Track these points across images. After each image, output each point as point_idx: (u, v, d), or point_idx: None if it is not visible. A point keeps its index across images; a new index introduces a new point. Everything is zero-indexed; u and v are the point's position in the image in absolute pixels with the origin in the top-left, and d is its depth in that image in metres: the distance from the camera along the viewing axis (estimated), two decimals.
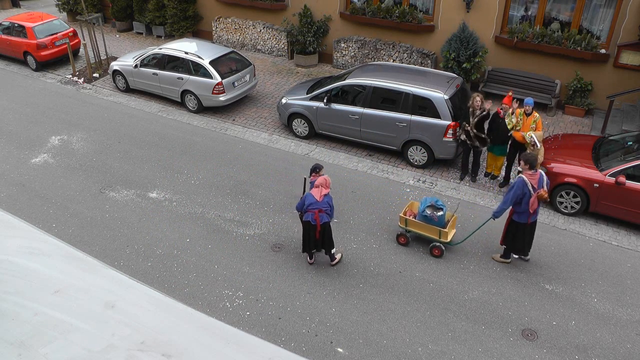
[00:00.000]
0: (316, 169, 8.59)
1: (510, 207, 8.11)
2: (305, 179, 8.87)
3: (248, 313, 7.79)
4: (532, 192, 7.81)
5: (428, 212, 8.49)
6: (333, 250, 8.52)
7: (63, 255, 3.12)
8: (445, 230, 8.47)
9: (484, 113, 10.01)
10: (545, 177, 8.01)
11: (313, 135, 12.42)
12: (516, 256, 8.67)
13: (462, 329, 7.49)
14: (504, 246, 8.52)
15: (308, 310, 7.81)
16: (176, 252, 9.01)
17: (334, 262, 8.62)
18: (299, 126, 12.42)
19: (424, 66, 13.89)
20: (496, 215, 8.20)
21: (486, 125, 10.21)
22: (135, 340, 2.51)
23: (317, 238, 8.18)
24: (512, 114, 9.89)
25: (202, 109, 13.78)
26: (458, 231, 9.10)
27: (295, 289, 8.20)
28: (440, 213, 8.45)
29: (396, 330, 7.48)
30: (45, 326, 2.57)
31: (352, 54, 15.60)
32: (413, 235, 8.97)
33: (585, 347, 7.22)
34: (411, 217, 8.83)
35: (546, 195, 7.93)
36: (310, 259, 8.68)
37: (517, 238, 8.24)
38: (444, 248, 8.69)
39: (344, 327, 7.54)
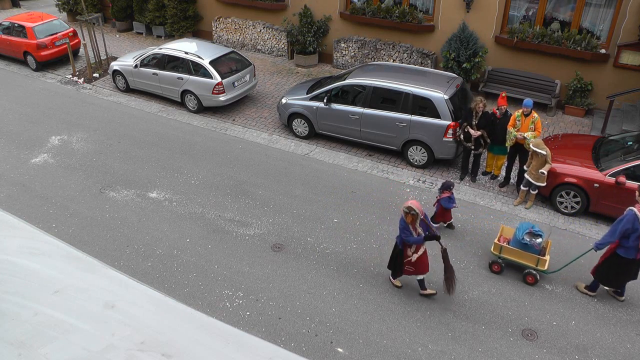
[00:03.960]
0: (449, 187, 8.83)
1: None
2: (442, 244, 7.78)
3: (248, 313, 7.79)
4: None
5: (527, 239, 7.99)
6: (394, 278, 8.22)
7: (63, 255, 3.12)
8: (544, 258, 8.02)
9: (480, 114, 10.05)
10: None
11: (313, 135, 12.42)
12: (607, 288, 7.98)
13: (462, 329, 7.49)
14: (594, 277, 7.90)
15: (308, 310, 7.81)
16: (176, 252, 9.01)
17: (391, 280, 8.26)
18: (299, 126, 12.42)
19: (424, 66, 13.88)
20: (599, 247, 7.55)
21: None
22: (135, 340, 2.51)
23: None
24: (515, 127, 9.81)
25: (202, 109, 13.78)
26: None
27: (295, 289, 8.20)
28: (539, 240, 7.99)
29: (396, 330, 7.47)
30: (45, 326, 2.56)
31: (352, 54, 15.59)
32: (506, 262, 8.40)
33: (585, 347, 7.22)
34: (504, 243, 8.32)
35: None
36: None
37: (620, 274, 7.57)
38: (538, 276, 8.18)
39: (344, 327, 7.54)
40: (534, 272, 8.14)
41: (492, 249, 8.46)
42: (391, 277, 8.24)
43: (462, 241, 9.14)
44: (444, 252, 7.54)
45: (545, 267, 8.04)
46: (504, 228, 8.69)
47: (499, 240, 8.43)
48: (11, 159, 11.87)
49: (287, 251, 8.99)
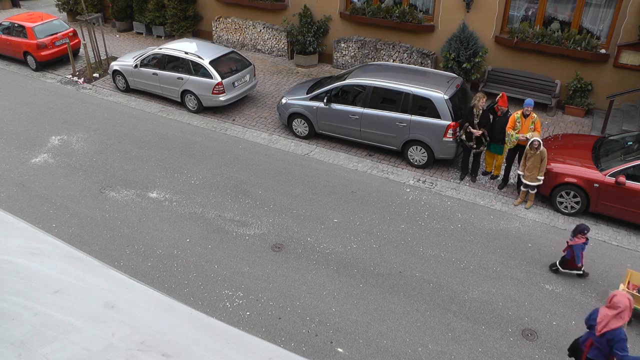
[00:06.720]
0: (584, 231, 7.81)
1: None
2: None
3: (248, 313, 7.80)
4: None
5: None
6: None
7: (63, 255, 3.12)
8: None
9: (481, 112, 10.07)
10: None
11: (313, 135, 12.42)
12: None
13: (462, 329, 7.49)
14: None
15: (308, 310, 7.81)
16: (176, 252, 9.02)
17: None
18: (299, 126, 12.42)
19: (424, 66, 13.88)
20: None
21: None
22: (135, 340, 2.51)
23: None
24: (515, 130, 9.80)
25: (202, 109, 13.78)
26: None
27: (295, 289, 8.20)
28: None
29: (396, 330, 7.48)
30: (45, 326, 2.57)
31: (352, 54, 15.59)
32: (635, 313, 7.07)
33: None
34: (634, 290, 7.35)
35: None
36: None
37: None
38: None
39: (344, 327, 7.54)
40: None
41: None
42: None
43: (462, 241, 9.14)
44: None
45: None
46: (633, 273, 7.66)
47: (627, 286, 7.48)
48: (11, 159, 11.87)
49: (287, 251, 8.99)
